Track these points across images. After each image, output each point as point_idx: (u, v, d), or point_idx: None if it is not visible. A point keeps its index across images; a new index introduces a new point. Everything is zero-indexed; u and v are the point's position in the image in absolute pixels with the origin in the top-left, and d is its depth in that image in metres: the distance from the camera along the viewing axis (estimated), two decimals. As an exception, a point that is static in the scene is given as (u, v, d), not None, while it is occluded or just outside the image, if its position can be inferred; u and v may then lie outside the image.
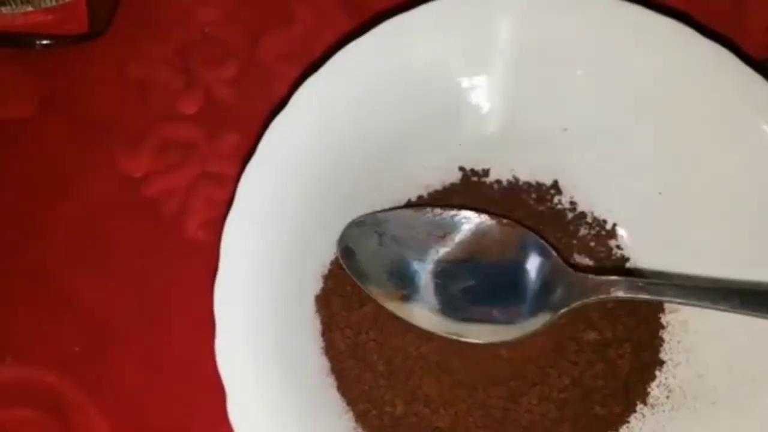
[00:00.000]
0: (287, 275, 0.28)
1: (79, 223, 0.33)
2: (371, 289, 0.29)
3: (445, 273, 0.29)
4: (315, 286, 0.29)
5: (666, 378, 0.30)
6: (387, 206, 0.31)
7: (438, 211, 0.29)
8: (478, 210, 0.30)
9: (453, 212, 0.29)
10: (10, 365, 0.32)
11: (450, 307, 0.29)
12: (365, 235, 0.29)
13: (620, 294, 0.28)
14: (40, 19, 0.33)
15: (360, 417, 0.28)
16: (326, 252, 0.30)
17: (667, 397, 0.30)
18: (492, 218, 0.29)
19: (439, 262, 0.29)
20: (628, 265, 0.32)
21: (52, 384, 0.32)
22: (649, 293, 0.28)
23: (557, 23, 0.29)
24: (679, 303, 0.27)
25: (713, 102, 0.29)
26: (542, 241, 0.29)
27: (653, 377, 0.30)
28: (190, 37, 0.36)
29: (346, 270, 0.29)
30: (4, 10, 0.32)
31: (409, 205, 0.31)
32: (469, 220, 0.29)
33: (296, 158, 0.28)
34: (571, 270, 0.29)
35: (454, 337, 0.28)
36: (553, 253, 0.29)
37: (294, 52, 0.35)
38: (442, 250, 0.29)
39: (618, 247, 0.32)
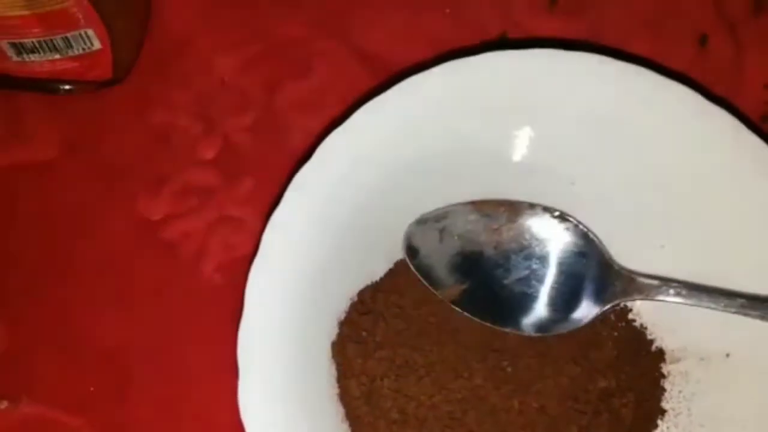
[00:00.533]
0: (307, 322, 0.29)
1: (99, 264, 0.34)
2: (435, 285, 0.31)
3: (500, 264, 0.31)
4: (332, 332, 0.30)
5: (668, 427, 0.31)
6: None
7: (492, 203, 0.32)
8: (531, 203, 0.32)
9: (507, 203, 0.32)
10: (26, 404, 0.33)
11: (506, 298, 0.31)
12: (426, 231, 0.31)
13: (663, 297, 0.30)
14: (67, 65, 0.34)
15: (374, 463, 0.29)
16: (343, 298, 0.31)
17: (669, 446, 0.31)
18: (546, 209, 0.31)
19: (495, 254, 0.31)
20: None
21: (67, 424, 0.32)
22: (693, 299, 0.29)
23: (569, 83, 0.31)
24: (724, 310, 0.29)
25: (717, 164, 0.30)
26: (593, 236, 0.31)
27: (655, 426, 0.31)
28: (210, 86, 0.37)
29: (411, 268, 0.31)
30: (33, 57, 0.33)
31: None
32: (523, 212, 0.31)
33: (320, 208, 0.29)
34: (619, 269, 0.31)
35: (509, 330, 0.30)
36: (604, 249, 0.31)
37: (309, 103, 0.36)
38: (498, 242, 0.31)
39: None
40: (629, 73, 0.30)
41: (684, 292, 0.30)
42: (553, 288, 0.31)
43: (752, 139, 0.30)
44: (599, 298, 0.31)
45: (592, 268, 0.31)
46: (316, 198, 0.29)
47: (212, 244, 0.34)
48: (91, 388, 0.33)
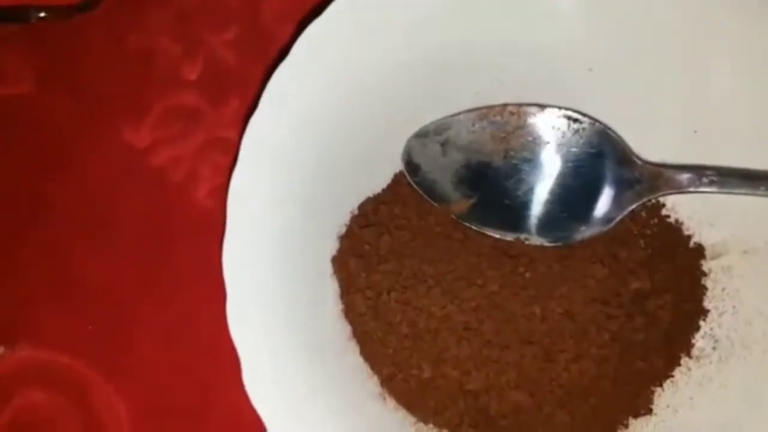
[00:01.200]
0: (300, 236, 0.26)
1: (85, 198, 0.32)
2: (439, 202, 0.28)
3: (511, 174, 0.28)
4: (331, 247, 0.28)
5: (711, 328, 0.28)
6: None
7: (498, 108, 0.29)
8: (540, 105, 0.29)
9: (513, 108, 0.28)
10: (23, 348, 0.31)
11: (520, 208, 0.28)
12: (428, 146, 0.29)
13: (696, 188, 0.27)
14: (34, -10, 0.32)
15: (386, 381, 0.27)
16: (342, 211, 0.28)
17: (714, 348, 0.28)
18: (557, 110, 0.28)
19: (505, 163, 0.28)
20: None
21: (67, 365, 0.31)
22: (730, 186, 0.26)
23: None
24: (752, 193, 0.26)
25: (743, 32, 0.26)
26: (612, 132, 0.28)
27: (697, 328, 0.28)
28: (189, 2, 0.34)
29: (413, 185, 0.29)
30: (-6, -19, 0.31)
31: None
32: (532, 115, 0.28)
33: (304, 109, 0.26)
34: (643, 163, 0.28)
35: (528, 241, 0.28)
36: (625, 145, 0.28)
37: (293, 9, 0.33)
38: (507, 150, 0.28)
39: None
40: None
41: (719, 179, 0.27)
42: (571, 193, 0.28)
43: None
44: (624, 197, 0.28)
45: (614, 167, 0.28)
46: (298, 100, 0.26)
47: (202, 168, 0.32)
48: (89, 327, 0.31)
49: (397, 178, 0.30)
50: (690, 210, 0.29)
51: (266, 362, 0.25)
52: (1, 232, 0.32)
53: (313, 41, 0.26)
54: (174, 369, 0.30)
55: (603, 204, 0.28)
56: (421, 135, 0.29)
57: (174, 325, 0.31)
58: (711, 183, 0.27)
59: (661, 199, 0.29)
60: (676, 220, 0.29)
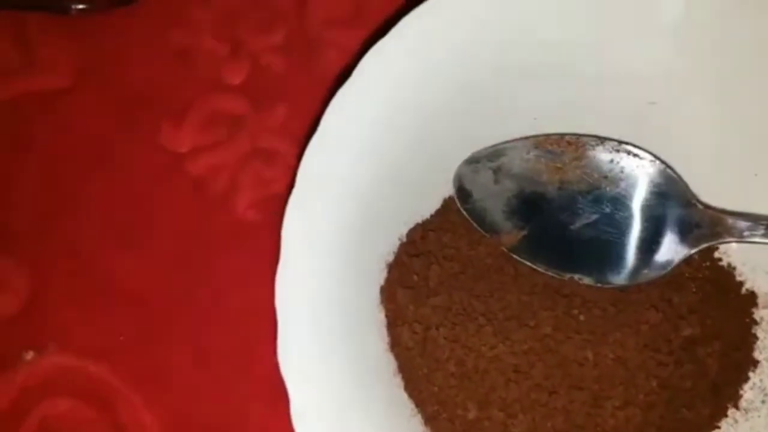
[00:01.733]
0: (351, 265, 0.26)
1: (121, 200, 0.31)
2: (490, 231, 0.28)
3: (565, 207, 0.28)
4: (380, 276, 0.27)
5: (761, 380, 0.27)
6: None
7: (555, 138, 0.28)
8: (599, 137, 0.28)
9: (571, 138, 0.27)
10: (53, 353, 0.30)
11: (572, 245, 0.28)
12: (480, 172, 0.28)
13: (756, 239, 0.26)
14: (76, -19, 0.31)
15: (430, 420, 0.26)
16: (391, 238, 0.28)
17: (763, 402, 0.27)
18: (616, 144, 0.28)
19: (559, 195, 0.28)
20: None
21: (96, 373, 0.30)
22: None
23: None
24: None
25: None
26: (673, 172, 0.27)
27: (746, 378, 0.28)
28: (235, 1, 0.33)
29: (463, 212, 0.28)
30: (37, -29, 0.30)
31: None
32: (591, 147, 0.27)
33: (361, 137, 0.25)
34: (704, 207, 0.27)
35: (579, 279, 0.27)
36: (687, 187, 0.27)
37: (344, 16, 0.32)
38: (562, 182, 0.28)
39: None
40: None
41: None
42: (628, 233, 0.28)
43: None
44: (683, 242, 0.27)
45: (674, 210, 0.27)
46: (356, 124, 0.25)
47: (244, 178, 0.31)
48: (121, 337, 0.30)
49: (447, 204, 0.29)
50: (744, 256, 0.29)
51: (313, 392, 0.24)
52: (33, 233, 0.31)
53: (376, 63, 0.25)
54: (206, 385, 0.30)
55: (660, 247, 0.27)
56: (474, 161, 0.28)
57: (209, 341, 0.30)
58: None
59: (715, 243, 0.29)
60: (729, 265, 0.29)
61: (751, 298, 0.28)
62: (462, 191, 0.28)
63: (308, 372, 0.24)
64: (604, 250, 0.28)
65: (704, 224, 0.27)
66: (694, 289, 0.28)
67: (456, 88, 0.27)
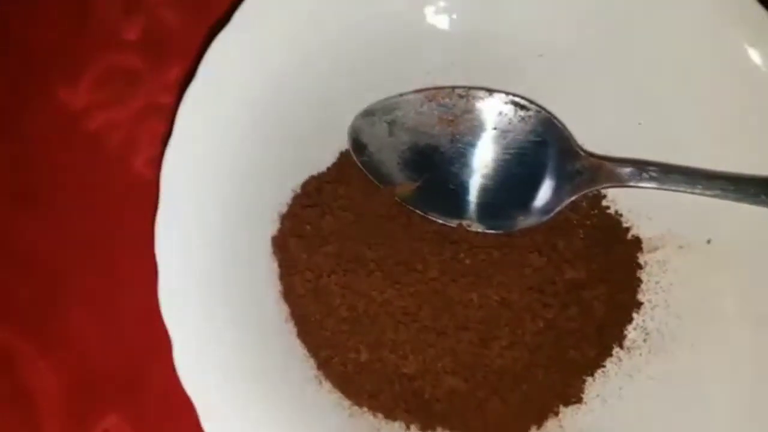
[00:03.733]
0: (238, 215, 0.26)
1: (19, 159, 0.31)
2: (384, 183, 0.28)
3: (456, 158, 0.28)
4: (271, 227, 0.27)
5: (643, 320, 0.29)
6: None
7: (447, 91, 0.28)
8: (488, 89, 0.28)
9: (462, 91, 0.28)
10: (-57, 316, 0.30)
11: (463, 193, 0.28)
12: (375, 125, 0.28)
13: (636, 183, 0.27)
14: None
15: (322, 364, 0.27)
16: (284, 190, 0.28)
17: (644, 341, 0.28)
18: (504, 96, 0.28)
19: (451, 147, 0.28)
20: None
21: (-4, 335, 0.30)
22: (669, 183, 0.27)
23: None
24: (702, 194, 0.27)
25: (693, 22, 0.27)
26: (557, 122, 0.28)
27: (630, 320, 0.29)
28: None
29: (359, 164, 0.28)
30: None
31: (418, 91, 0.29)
32: (480, 99, 0.28)
33: (245, 81, 0.25)
34: (586, 154, 0.28)
35: (470, 227, 0.28)
36: (569, 134, 0.28)
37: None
38: (453, 134, 0.28)
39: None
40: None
41: (659, 176, 0.27)
42: (513, 181, 0.28)
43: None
44: (565, 188, 0.28)
45: (556, 157, 0.28)
46: (239, 71, 0.25)
47: (140, 135, 0.31)
48: (20, 295, 0.30)
49: (343, 157, 0.29)
50: (630, 203, 0.30)
51: (198, 342, 0.24)
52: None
53: (256, 9, 0.25)
54: (106, 343, 0.29)
55: (543, 194, 0.28)
56: (369, 114, 0.29)
57: (108, 296, 0.30)
58: (651, 179, 0.27)
59: (603, 191, 0.30)
60: (616, 212, 0.30)
61: (637, 243, 0.29)
62: (357, 144, 0.28)
63: (193, 321, 0.24)
64: (490, 197, 0.28)
65: (586, 171, 0.28)
66: (581, 235, 0.29)
67: (346, 42, 0.27)
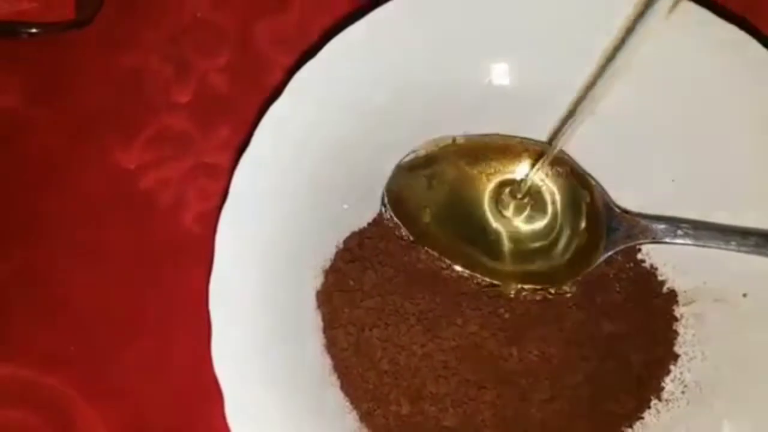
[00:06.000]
0: (286, 270, 0.27)
1: (72, 218, 0.32)
2: (422, 237, 0.29)
3: (493, 214, 0.29)
4: (316, 281, 0.28)
5: (681, 372, 0.29)
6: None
7: (484, 146, 0.29)
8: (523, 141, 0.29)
9: (500, 146, 0.29)
10: (4, 367, 0.31)
11: (501, 251, 0.29)
12: (414, 179, 0.29)
13: (671, 240, 0.28)
14: (26, 6, 0.32)
15: (365, 416, 0.27)
16: (328, 245, 0.29)
17: (683, 392, 0.29)
18: (540, 149, 0.29)
19: (489, 202, 0.29)
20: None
21: (48, 384, 0.31)
22: (703, 240, 0.27)
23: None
24: (737, 250, 0.27)
25: (727, 79, 0.27)
26: (591, 179, 0.29)
27: (668, 372, 0.29)
28: (181, 23, 0.34)
29: (395, 219, 0.29)
30: (-13, -3, 0.31)
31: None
32: (518, 153, 0.29)
33: (293, 148, 0.27)
34: (620, 211, 0.29)
35: (510, 284, 0.28)
36: (604, 192, 0.29)
37: (288, 39, 0.34)
38: (490, 188, 0.29)
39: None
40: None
41: (693, 232, 0.28)
42: (549, 238, 0.29)
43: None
44: (601, 245, 0.29)
45: (592, 214, 0.29)
46: (289, 138, 0.26)
47: (190, 192, 0.32)
48: (72, 347, 0.31)
49: (383, 212, 0.30)
50: (665, 257, 0.30)
51: (248, 395, 0.25)
52: (-13, 250, 0.32)
53: (308, 80, 0.26)
54: (156, 394, 0.30)
55: (580, 251, 0.29)
56: (407, 168, 0.30)
57: (158, 351, 0.31)
58: (686, 235, 0.28)
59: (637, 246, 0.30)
60: (651, 266, 0.30)
61: (672, 296, 0.30)
62: (396, 197, 0.29)
63: (243, 375, 0.25)
64: (528, 254, 0.29)
65: (621, 227, 0.28)
66: (618, 289, 0.30)
67: (385, 102, 0.28)
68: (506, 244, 0.29)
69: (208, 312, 0.26)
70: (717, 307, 0.29)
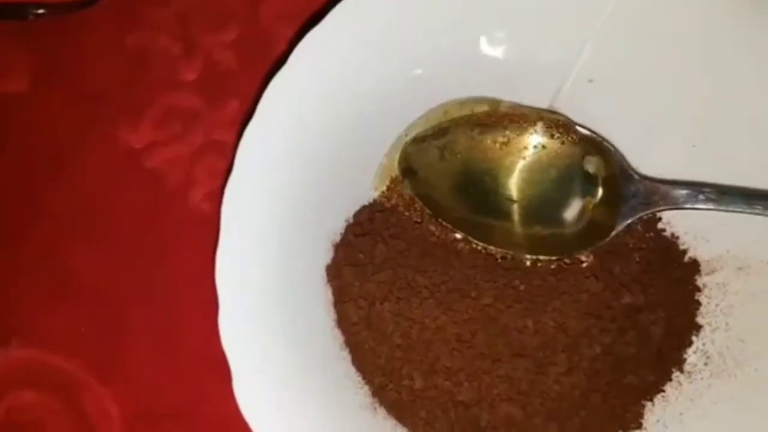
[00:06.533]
0: (294, 245, 0.26)
1: (81, 198, 0.32)
2: (435, 209, 0.28)
3: (508, 183, 0.29)
4: (325, 255, 0.28)
5: (704, 344, 0.28)
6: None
7: (499, 116, 0.28)
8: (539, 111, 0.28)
9: (513, 114, 0.28)
10: (16, 347, 0.31)
11: (515, 219, 0.28)
12: (425, 151, 0.28)
13: (693, 205, 0.27)
14: (32, -13, 0.32)
15: (377, 391, 0.27)
16: (337, 219, 0.28)
17: (705, 364, 0.28)
18: (556, 119, 0.28)
19: (503, 172, 0.29)
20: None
21: (60, 366, 0.31)
22: (726, 204, 0.26)
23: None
24: (749, 212, 0.26)
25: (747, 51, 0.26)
26: (609, 144, 0.28)
27: (689, 343, 0.28)
28: (188, 1, 0.34)
29: (410, 191, 0.28)
30: (-9, -22, 0.31)
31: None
32: (532, 123, 0.28)
33: (301, 116, 0.26)
34: (640, 177, 0.28)
35: (525, 255, 0.28)
36: (621, 157, 0.28)
37: (296, 13, 0.33)
38: (505, 157, 0.28)
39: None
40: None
41: (716, 197, 0.27)
42: (567, 205, 0.28)
43: None
44: (620, 212, 0.28)
45: (610, 180, 0.28)
46: (295, 107, 0.26)
47: (199, 171, 0.32)
48: (83, 329, 0.31)
49: (394, 185, 0.29)
50: (686, 225, 0.29)
51: (257, 370, 0.25)
52: (-4, 232, 0.32)
53: (311, 49, 0.26)
54: (167, 373, 0.30)
55: (599, 218, 0.28)
56: (419, 140, 0.29)
57: (168, 329, 0.31)
58: (707, 200, 0.27)
59: (658, 214, 0.29)
60: (672, 234, 0.29)
61: (694, 265, 0.29)
62: (408, 170, 0.29)
63: (251, 351, 0.25)
64: (544, 223, 0.28)
65: (640, 194, 0.28)
66: (637, 259, 0.29)
67: (395, 75, 0.28)
68: (522, 215, 0.29)
69: (215, 289, 0.26)
70: (740, 276, 0.28)
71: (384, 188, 0.29)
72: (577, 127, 0.29)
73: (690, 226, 0.29)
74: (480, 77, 0.29)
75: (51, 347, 0.31)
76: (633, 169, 0.28)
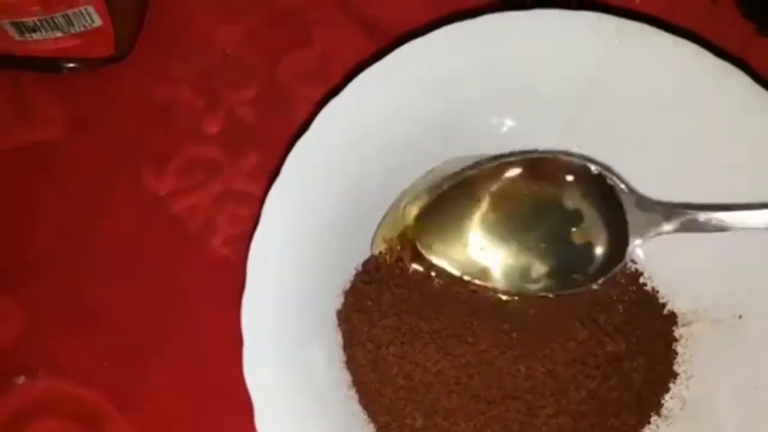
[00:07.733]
0: (311, 292, 0.29)
1: (109, 241, 0.34)
2: (442, 261, 0.30)
3: (516, 224, 0.31)
4: (336, 301, 0.30)
5: (680, 390, 0.31)
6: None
7: (493, 162, 0.31)
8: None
9: (508, 159, 0.31)
10: (42, 378, 0.33)
11: (528, 257, 0.31)
12: (439, 219, 0.31)
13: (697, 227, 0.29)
14: (69, 44, 0.34)
15: (381, 429, 0.29)
16: (348, 267, 0.31)
17: (681, 409, 0.30)
18: (559, 154, 0.30)
19: (507, 213, 0.31)
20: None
21: (82, 396, 0.33)
22: (716, 225, 0.28)
23: (573, 43, 0.30)
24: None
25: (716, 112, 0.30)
26: (610, 173, 0.30)
27: (667, 389, 0.31)
28: (212, 59, 0.37)
29: (434, 260, 0.31)
30: (35, 36, 0.33)
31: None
32: (526, 162, 0.30)
33: (320, 178, 0.29)
34: (649, 198, 0.30)
35: (541, 293, 0.30)
36: (625, 184, 0.30)
37: (312, 73, 0.36)
38: (506, 201, 0.31)
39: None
40: (633, 31, 0.30)
41: (711, 219, 0.29)
42: (570, 245, 0.31)
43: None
44: (631, 231, 0.30)
45: (621, 206, 0.30)
46: (315, 168, 0.28)
47: (219, 217, 0.34)
48: (106, 362, 0.33)
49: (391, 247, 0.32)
50: (666, 279, 0.32)
51: (277, 407, 0.27)
52: (29, 267, 0.34)
53: (331, 118, 0.29)
54: (186, 409, 0.32)
55: (612, 244, 0.30)
56: (428, 212, 0.31)
57: (187, 368, 0.32)
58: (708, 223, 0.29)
59: (639, 268, 0.32)
60: (653, 288, 0.32)
61: (672, 317, 0.32)
62: (425, 244, 0.31)
63: (271, 385, 0.27)
64: (551, 261, 0.31)
65: (651, 217, 0.30)
66: (621, 311, 0.31)
67: (407, 134, 0.31)
68: (536, 258, 0.31)
69: (232, 329, 0.28)
70: (714, 328, 0.31)
71: (382, 249, 0.31)
72: (587, 165, 0.31)
73: (670, 281, 0.32)
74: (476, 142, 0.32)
75: (76, 379, 0.33)
76: (639, 193, 0.30)
